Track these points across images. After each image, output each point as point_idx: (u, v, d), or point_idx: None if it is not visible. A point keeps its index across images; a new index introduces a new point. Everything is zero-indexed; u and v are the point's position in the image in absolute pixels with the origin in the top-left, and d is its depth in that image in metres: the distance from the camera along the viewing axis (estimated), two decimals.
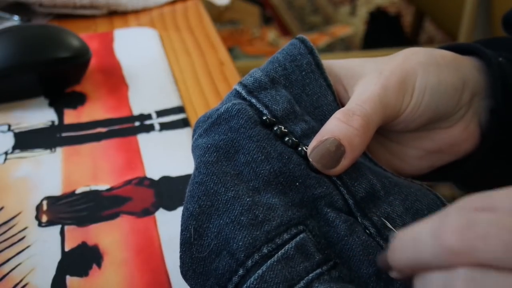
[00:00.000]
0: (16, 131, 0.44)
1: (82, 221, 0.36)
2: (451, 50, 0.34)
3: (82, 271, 0.32)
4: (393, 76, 0.30)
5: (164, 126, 0.44)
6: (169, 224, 0.35)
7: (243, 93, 0.30)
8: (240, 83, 0.30)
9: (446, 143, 0.33)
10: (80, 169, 0.40)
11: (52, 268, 0.32)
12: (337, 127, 0.28)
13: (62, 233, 0.35)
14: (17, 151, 0.42)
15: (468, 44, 0.35)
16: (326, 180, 0.28)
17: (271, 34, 1.82)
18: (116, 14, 0.62)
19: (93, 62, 0.51)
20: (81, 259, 0.33)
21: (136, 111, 0.46)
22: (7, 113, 0.46)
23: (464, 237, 0.18)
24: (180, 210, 0.36)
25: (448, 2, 1.47)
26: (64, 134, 0.43)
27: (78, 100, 0.47)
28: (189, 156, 0.34)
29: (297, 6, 2.43)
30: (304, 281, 0.24)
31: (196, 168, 0.28)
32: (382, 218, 0.27)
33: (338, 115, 0.29)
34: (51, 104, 0.47)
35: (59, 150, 0.42)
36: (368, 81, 0.30)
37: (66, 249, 0.34)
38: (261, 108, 0.29)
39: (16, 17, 0.58)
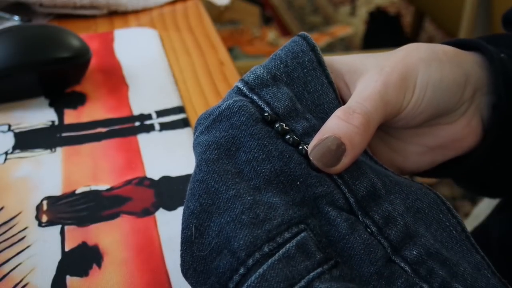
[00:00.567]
0: (16, 131, 0.44)
1: (82, 221, 0.36)
2: (453, 45, 0.34)
3: (82, 271, 0.32)
4: (394, 72, 0.30)
5: (164, 126, 0.44)
6: (169, 224, 0.35)
7: (245, 90, 0.30)
8: (242, 80, 0.30)
9: (448, 139, 0.33)
10: (80, 169, 0.40)
11: (52, 268, 0.32)
12: (337, 125, 0.28)
13: (62, 233, 0.35)
14: (17, 151, 0.42)
15: (469, 40, 0.35)
16: (327, 178, 0.28)
17: (271, 34, 1.82)
18: (116, 14, 0.62)
19: (93, 62, 0.51)
20: (81, 259, 0.33)
21: (136, 111, 0.46)
22: (7, 113, 0.46)
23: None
24: (180, 210, 0.36)
25: (448, 2, 1.47)
26: (64, 134, 0.43)
27: (78, 100, 0.47)
28: (189, 156, 0.34)
29: (297, 6, 2.43)
30: (305, 280, 0.24)
31: (197, 166, 0.28)
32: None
33: (338, 113, 0.28)
34: (51, 104, 0.47)
35: (59, 150, 0.42)
36: (369, 77, 0.30)
37: (66, 249, 0.34)
38: (263, 105, 0.29)
39: (16, 17, 0.58)
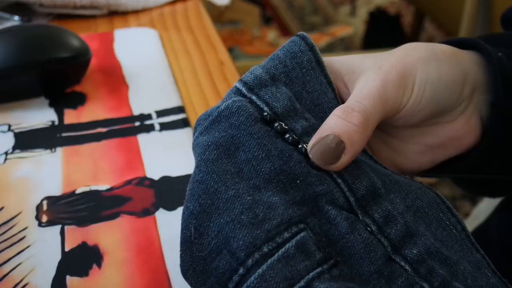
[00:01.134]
0: (16, 131, 0.44)
1: (82, 221, 0.36)
2: (451, 44, 0.34)
3: (82, 271, 0.32)
4: (393, 71, 0.30)
5: (164, 126, 0.44)
6: (169, 224, 0.35)
7: (244, 90, 0.30)
8: (241, 81, 0.30)
9: (447, 137, 0.33)
10: (80, 169, 0.40)
11: (52, 268, 0.32)
12: (336, 123, 0.28)
13: (62, 233, 0.35)
14: (17, 151, 0.42)
15: (467, 39, 0.35)
16: (327, 177, 0.28)
17: (271, 34, 1.82)
18: (116, 14, 0.62)
19: (93, 62, 0.51)
20: (81, 259, 0.33)
21: (136, 111, 0.46)
22: (7, 113, 0.46)
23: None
24: (180, 210, 0.36)
25: (448, 2, 1.47)
26: (64, 134, 0.43)
27: (78, 100, 0.47)
28: (189, 156, 0.34)
29: (297, 6, 2.43)
30: (304, 280, 0.24)
31: (197, 166, 0.28)
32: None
33: (337, 112, 0.29)
34: (51, 104, 0.47)
35: (59, 150, 0.42)
36: (368, 77, 0.30)
37: (66, 249, 0.34)
38: (262, 105, 0.29)
39: (16, 17, 0.58)
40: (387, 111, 0.30)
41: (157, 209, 0.37)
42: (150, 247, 0.34)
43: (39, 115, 0.45)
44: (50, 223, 0.36)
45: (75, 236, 0.35)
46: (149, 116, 0.45)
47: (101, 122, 0.45)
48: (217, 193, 0.26)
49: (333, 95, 0.31)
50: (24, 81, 0.46)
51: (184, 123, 0.44)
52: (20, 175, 0.39)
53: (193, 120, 0.45)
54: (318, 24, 2.27)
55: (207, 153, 0.28)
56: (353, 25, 2.18)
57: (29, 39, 0.46)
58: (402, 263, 0.27)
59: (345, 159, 0.27)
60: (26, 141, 0.43)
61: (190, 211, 0.27)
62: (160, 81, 0.50)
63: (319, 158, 0.27)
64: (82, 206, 0.37)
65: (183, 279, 0.27)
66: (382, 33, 1.87)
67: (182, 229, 0.27)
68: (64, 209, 0.37)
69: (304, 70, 0.31)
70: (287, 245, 0.25)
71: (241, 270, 0.25)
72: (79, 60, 0.48)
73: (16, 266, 0.33)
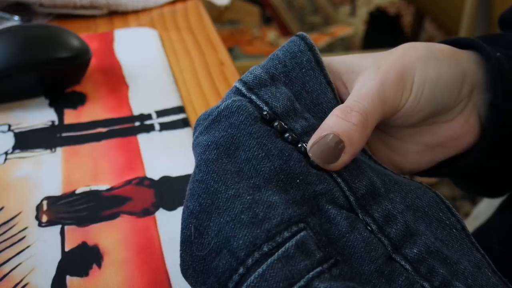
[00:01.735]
0: (16, 131, 0.44)
1: (82, 221, 0.36)
2: (450, 44, 0.34)
3: (82, 271, 0.32)
4: (392, 70, 0.30)
5: (164, 126, 0.44)
6: (169, 224, 0.35)
7: (243, 90, 0.30)
8: (240, 80, 0.30)
9: (446, 137, 0.33)
10: (80, 169, 0.40)
11: (52, 268, 0.32)
12: (335, 123, 0.28)
13: (62, 233, 0.35)
14: (17, 151, 0.42)
15: (466, 39, 0.35)
16: (327, 177, 0.28)
17: (271, 34, 1.82)
18: (116, 14, 0.62)
19: (93, 62, 0.51)
20: (81, 259, 0.33)
21: (136, 111, 0.46)
22: (7, 113, 0.46)
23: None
24: (180, 210, 0.36)
25: (448, 2, 1.47)
26: (64, 134, 0.43)
27: (78, 100, 0.47)
28: (189, 156, 0.34)
29: (297, 6, 2.43)
30: (304, 280, 0.24)
31: (197, 166, 0.28)
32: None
33: (336, 111, 0.29)
34: (51, 104, 0.47)
35: (59, 150, 0.42)
36: (367, 76, 0.30)
37: (66, 249, 0.34)
38: (261, 104, 0.29)
39: (16, 17, 0.58)
40: (386, 111, 0.30)
41: (157, 209, 0.37)
42: (150, 247, 0.34)
43: (39, 115, 0.45)
44: (50, 223, 0.36)
45: (75, 236, 0.35)
46: (149, 116, 0.45)
47: (101, 122, 0.45)
48: (217, 193, 0.26)
49: (332, 95, 0.31)
50: (24, 81, 0.46)
51: (184, 123, 0.44)
52: (20, 175, 0.39)
53: (193, 120, 0.45)
54: (318, 24, 2.27)
55: (207, 152, 0.28)
56: (353, 25, 2.18)
57: (29, 39, 0.46)
58: (403, 262, 0.27)
59: (344, 158, 0.28)
60: (26, 141, 0.43)
61: (190, 211, 0.27)
62: (160, 81, 0.50)
63: (319, 157, 0.27)
64: (82, 206, 0.37)
65: (183, 279, 0.27)
66: (382, 33, 1.87)
67: (182, 229, 0.27)
68: (64, 209, 0.37)
69: (303, 70, 0.31)
70: (287, 244, 0.25)
71: (241, 270, 0.25)
72: (79, 60, 0.48)
73: (16, 266, 0.33)
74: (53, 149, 0.42)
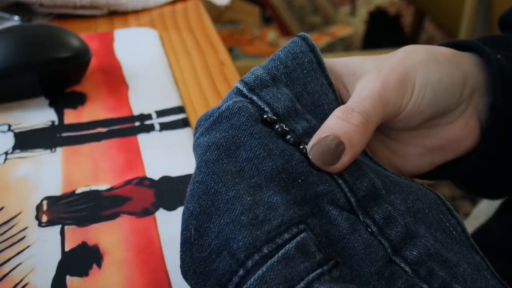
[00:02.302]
0: (16, 131, 0.44)
1: (82, 221, 0.36)
2: (450, 47, 0.34)
3: (82, 271, 0.32)
4: (393, 73, 0.30)
5: (164, 126, 0.44)
6: (169, 224, 0.35)
7: (244, 90, 0.30)
8: (242, 81, 0.30)
9: (447, 139, 0.33)
10: (80, 169, 0.40)
11: (52, 268, 0.32)
12: (336, 124, 0.28)
13: (62, 233, 0.35)
14: (17, 151, 0.42)
15: (466, 41, 0.35)
16: (328, 177, 0.28)
17: (271, 34, 1.82)
18: (116, 14, 0.62)
19: (93, 62, 0.51)
20: (81, 259, 0.33)
21: (136, 111, 0.46)
22: (7, 113, 0.46)
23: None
24: (180, 210, 0.36)
25: (448, 2, 1.47)
26: (64, 134, 0.43)
27: (78, 100, 0.47)
28: (189, 156, 0.34)
29: (297, 6, 2.43)
30: (304, 282, 0.24)
31: (197, 167, 0.28)
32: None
33: (337, 112, 0.29)
34: (51, 104, 0.47)
35: (59, 150, 0.42)
36: (368, 78, 0.30)
37: (66, 249, 0.34)
38: (263, 105, 0.29)
39: (16, 17, 0.58)
40: (387, 113, 0.30)
41: (157, 209, 0.37)
42: (150, 247, 0.34)
43: (39, 115, 0.45)
44: (50, 223, 0.36)
45: (75, 236, 0.35)
46: (149, 116, 0.45)
47: (101, 122, 0.45)
48: (218, 194, 0.26)
49: (333, 96, 0.31)
50: (24, 81, 0.46)
51: (184, 123, 0.44)
52: (20, 175, 0.39)
53: (193, 120, 0.45)
54: (318, 24, 2.27)
55: (207, 153, 0.28)
56: (353, 25, 2.18)
57: (29, 39, 0.46)
58: (402, 265, 0.27)
59: (344, 160, 0.27)
60: (26, 141, 0.43)
61: (190, 212, 0.27)
62: (160, 81, 0.50)
63: (319, 159, 0.27)
64: (82, 206, 0.37)
65: (183, 279, 0.27)
66: (382, 33, 1.87)
67: (182, 230, 0.27)
68: (64, 209, 0.37)
69: (305, 71, 0.31)
70: (287, 246, 0.25)
71: (241, 272, 0.25)
72: (79, 60, 0.48)
73: (16, 266, 0.33)
74: (53, 149, 0.42)
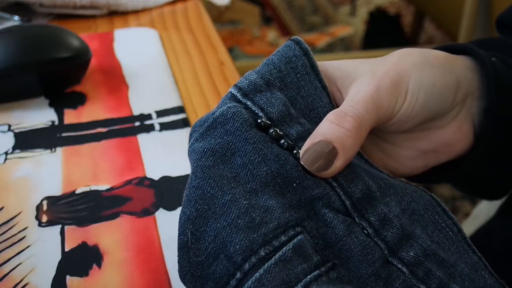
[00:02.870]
0: (16, 131, 0.44)
1: (82, 221, 0.36)
2: (445, 50, 0.34)
3: (82, 271, 0.32)
4: (387, 77, 0.30)
5: (164, 126, 0.44)
6: (169, 224, 0.35)
7: (238, 96, 0.30)
8: (235, 86, 0.30)
9: (440, 143, 0.33)
10: (80, 169, 0.40)
11: (52, 268, 0.33)
12: (329, 129, 0.28)
13: (62, 233, 0.35)
14: (17, 151, 0.42)
15: (461, 45, 0.35)
16: (323, 181, 0.28)
17: (271, 34, 1.82)
18: (116, 14, 0.62)
19: (93, 62, 0.51)
20: (81, 259, 0.33)
21: (136, 111, 0.46)
22: (7, 113, 0.46)
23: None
24: (180, 210, 0.36)
25: (448, 2, 1.47)
26: (64, 134, 0.43)
27: (78, 100, 0.47)
28: None
29: (297, 6, 2.43)
30: (302, 284, 0.24)
31: (193, 172, 0.28)
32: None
33: (330, 116, 0.28)
34: (51, 104, 0.47)
35: (59, 150, 0.42)
36: (362, 82, 0.30)
37: (66, 249, 0.34)
38: (257, 110, 0.29)
39: (16, 17, 0.58)
40: (380, 117, 0.30)
41: (157, 209, 0.37)
42: (150, 247, 0.34)
43: (39, 115, 0.46)
44: (50, 223, 0.36)
45: (75, 236, 0.35)
46: (149, 116, 0.45)
47: (101, 122, 0.45)
48: (214, 198, 0.26)
49: (327, 100, 0.31)
50: (24, 81, 0.46)
51: (184, 123, 0.44)
52: (20, 175, 0.39)
53: (193, 120, 0.45)
54: (318, 24, 2.27)
55: (203, 159, 0.28)
56: (353, 25, 2.18)
57: (29, 39, 0.46)
58: (399, 266, 0.27)
59: (337, 165, 0.27)
60: (26, 141, 0.43)
61: (186, 217, 0.27)
62: (160, 81, 0.50)
63: (311, 165, 0.27)
64: (82, 206, 0.37)
65: None
66: (382, 33, 1.87)
67: (179, 235, 0.27)
68: (64, 209, 0.37)
69: (298, 75, 0.31)
70: (284, 248, 0.25)
71: (238, 275, 0.25)
72: (79, 60, 0.48)
73: (16, 266, 0.33)
74: (53, 149, 0.42)
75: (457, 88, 0.32)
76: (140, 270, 0.32)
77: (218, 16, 1.64)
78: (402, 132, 0.33)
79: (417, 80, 0.31)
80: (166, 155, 0.41)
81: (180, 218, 0.27)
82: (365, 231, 0.27)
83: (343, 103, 0.30)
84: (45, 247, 0.34)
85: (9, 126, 0.44)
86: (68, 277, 0.32)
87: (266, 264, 0.24)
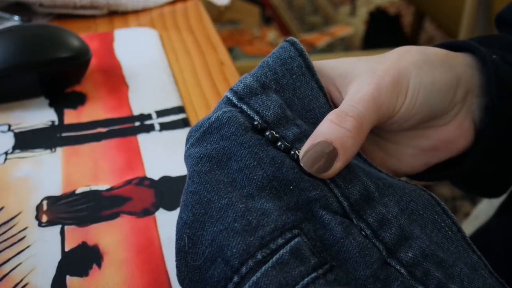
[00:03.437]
0: (16, 131, 0.44)
1: (82, 221, 0.36)
2: (445, 47, 0.34)
3: (82, 271, 0.32)
4: (387, 75, 0.30)
5: (164, 126, 0.44)
6: (169, 224, 0.35)
7: (234, 100, 0.29)
8: (231, 90, 0.30)
9: (440, 140, 0.33)
10: (80, 169, 0.40)
11: (52, 268, 0.33)
12: (329, 129, 0.28)
13: (62, 233, 0.35)
14: (17, 151, 0.42)
15: (461, 41, 0.35)
16: (320, 183, 0.27)
17: (271, 34, 1.82)
18: (116, 14, 0.62)
19: (93, 62, 0.51)
20: (81, 259, 0.33)
21: (136, 111, 0.46)
22: (7, 113, 0.46)
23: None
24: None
25: (448, 2, 1.47)
26: (64, 134, 0.43)
27: (78, 100, 0.47)
28: None
29: (297, 6, 2.43)
30: (299, 286, 0.24)
31: (190, 178, 0.28)
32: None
33: (330, 116, 0.28)
34: (51, 104, 0.47)
35: (59, 150, 0.42)
36: (362, 81, 0.30)
37: (66, 249, 0.34)
38: (252, 114, 0.29)
39: (16, 17, 0.58)
40: (381, 116, 0.30)
41: (157, 209, 0.37)
42: (150, 247, 0.34)
43: (39, 115, 0.46)
44: (50, 223, 0.36)
45: (75, 236, 0.35)
46: (149, 116, 0.45)
47: (101, 122, 0.45)
48: (210, 203, 0.26)
49: (324, 100, 0.31)
50: (24, 81, 0.46)
51: (184, 123, 0.44)
52: (20, 175, 0.39)
53: (193, 120, 0.45)
54: (318, 24, 2.28)
55: (199, 164, 0.28)
56: (353, 25, 2.18)
57: (29, 39, 0.46)
58: (398, 267, 0.27)
59: (337, 166, 0.27)
60: (26, 141, 0.43)
61: (183, 221, 0.27)
62: (160, 81, 0.50)
63: (311, 166, 0.27)
64: (82, 206, 0.37)
65: None
66: (382, 33, 1.87)
67: (176, 240, 0.27)
68: (64, 209, 0.37)
69: (294, 76, 0.31)
70: (282, 251, 0.25)
71: (235, 278, 0.25)
72: (79, 60, 0.48)
73: (16, 266, 0.33)
74: (53, 149, 0.42)
75: (457, 85, 0.32)
76: (140, 270, 0.32)
77: (218, 16, 1.64)
78: (402, 130, 0.33)
79: (417, 78, 0.31)
80: (166, 155, 0.41)
81: (177, 223, 0.27)
82: (363, 233, 0.27)
83: (343, 102, 0.30)
84: (45, 247, 0.34)
85: (9, 126, 0.44)
86: (68, 277, 0.32)
87: (263, 267, 0.24)
